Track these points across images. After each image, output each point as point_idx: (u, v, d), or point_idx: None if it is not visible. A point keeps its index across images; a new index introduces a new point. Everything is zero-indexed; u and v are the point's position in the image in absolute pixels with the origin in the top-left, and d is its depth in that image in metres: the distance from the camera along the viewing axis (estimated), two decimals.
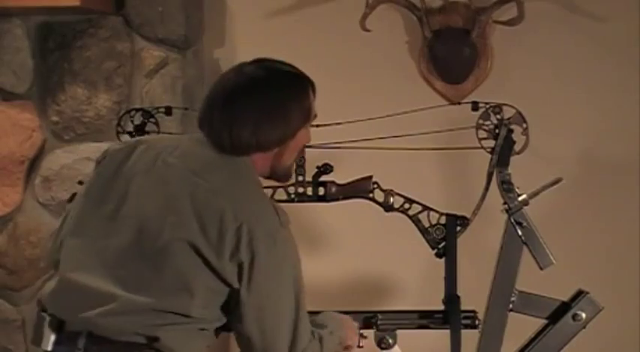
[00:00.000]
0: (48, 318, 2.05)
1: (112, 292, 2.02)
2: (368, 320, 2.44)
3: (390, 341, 2.43)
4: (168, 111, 2.74)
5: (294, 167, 2.32)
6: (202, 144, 2.12)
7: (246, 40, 3.39)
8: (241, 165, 2.11)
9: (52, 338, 2.04)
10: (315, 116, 2.20)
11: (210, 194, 2.04)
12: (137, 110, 2.71)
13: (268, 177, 2.19)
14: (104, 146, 3.21)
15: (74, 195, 2.32)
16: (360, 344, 2.39)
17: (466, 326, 2.41)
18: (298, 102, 2.14)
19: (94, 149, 3.29)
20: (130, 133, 2.67)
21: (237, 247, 2.01)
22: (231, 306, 2.07)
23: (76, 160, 3.31)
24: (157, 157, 2.10)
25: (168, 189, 2.06)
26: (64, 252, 2.13)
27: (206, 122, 2.12)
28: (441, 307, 2.46)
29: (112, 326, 2.00)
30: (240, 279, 2.03)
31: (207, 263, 2.02)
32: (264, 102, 2.11)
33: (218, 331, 2.15)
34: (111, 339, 2.01)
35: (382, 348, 2.43)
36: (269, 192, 2.47)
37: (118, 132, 2.71)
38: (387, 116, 2.58)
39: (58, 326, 2.04)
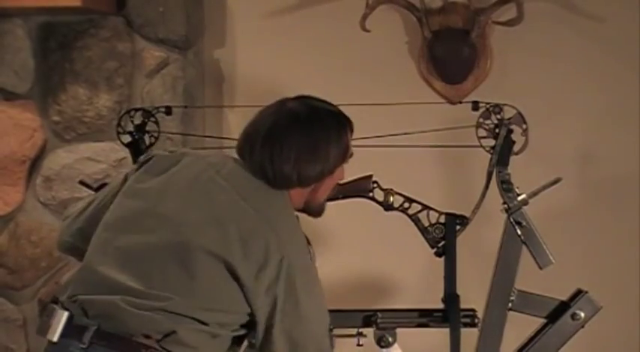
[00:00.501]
0: (57, 309, 2.06)
1: (137, 288, 2.04)
2: (368, 318, 2.45)
3: (390, 339, 2.43)
4: (168, 110, 2.75)
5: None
6: (246, 169, 2.16)
7: (247, 40, 3.40)
8: (283, 197, 2.16)
9: (60, 329, 2.04)
10: (352, 155, 2.24)
11: (257, 222, 2.08)
12: (137, 110, 2.71)
13: (301, 211, 2.23)
14: (105, 146, 3.26)
15: (103, 185, 2.35)
16: (360, 343, 2.42)
17: (465, 325, 2.41)
18: (338, 141, 2.19)
19: (95, 149, 3.31)
20: (130, 133, 2.67)
21: (277, 278, 2.06)
22: (260, 334, 2.10)
23: (77, 160, 3.31)
24: (204, 171, 2.14)
25: (215, 205, 2.09)
26: (93, 244, 2.15)
27: (247, 153, 2.17)
28: (441, 306, 2.46)
29: (129, 318, 2.01)
30: (273, 310, 2.07)
31: (241, 286, 2.06)
32: (306, 139, 2.15)
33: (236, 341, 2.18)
34: (119, 335, 2.01)
35: (382, 346, 2.43)
36: None
37: (118, 132, 2.70)
38: (388, 104, 2.57)
39: (68, 319, 2.05)
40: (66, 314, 2.05)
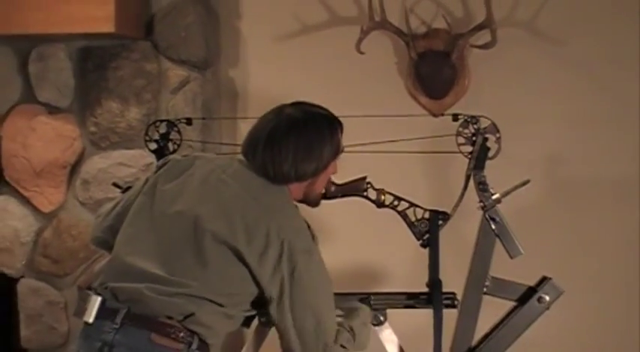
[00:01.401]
0: (92, 295, 2.06)
1: (160, 275, 2.03)
2: (362, 300, 2.43)
3: (382, 318, 2.42)
4: (188, 121, 2.74)
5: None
6: (250, 168, 2.15)
7: (257, 61, 3.39)
8: (283, 191, 2.15)
9: (94, 312, 2.04)
10: (342, 151, 2.23)
11: (259, 213, 2.07)
12: (162, 121, 2.71)
13: (301, 202, 2.22)
14: (135, 153, 3.27)
15: (129, 188, 2.35)
16: None
17: (447, 306, 2.41)
18: (330, 141, 2.18)
19: (126, 155, 3.31)
20: (156, 141, 2.67)
21: (280, 259, 2.04)
22: (269, 309, 2.08)
23: (111, 165, 3.31)
24: (213, 172, 2.13)
25: (222, 200, 2.08)
26: (120, 238, 2.14)
27: (251, 155, 2.15)
28: (425, 290, 2.45)
29: (155, 300, 2.00)
30: (282, 289, 2.06)
31: (248, 268, 2.04)
32: (302, 141, 2.14)
33: (247, 322, 2.18)
34: (148, 316, 2.01)
35: (374, 324, 2.41)
36: None
37: (146, 140, 2.69)
38: (380, 116, 2.58)
39: (101, 303, 2.04)
40: (99, 299, 2.04)
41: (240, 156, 2.20)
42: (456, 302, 2.43)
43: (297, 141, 2.14)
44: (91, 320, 2.04)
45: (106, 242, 2.25)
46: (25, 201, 3.37)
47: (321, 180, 2.21)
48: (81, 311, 2.06)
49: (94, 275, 2.13)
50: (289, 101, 3.23)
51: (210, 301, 2.04)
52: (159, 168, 2.22)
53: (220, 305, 2.05)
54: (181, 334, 2.01)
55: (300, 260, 2.06)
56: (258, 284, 2.06)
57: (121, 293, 2.04)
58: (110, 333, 2.00)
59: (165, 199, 2.12)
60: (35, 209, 3.37)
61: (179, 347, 2.01)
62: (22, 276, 3.38)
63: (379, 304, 2.43)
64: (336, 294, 2.38)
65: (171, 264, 2.05)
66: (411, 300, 2.46)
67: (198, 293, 2.03)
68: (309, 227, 2.15)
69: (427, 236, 2.46)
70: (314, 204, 2.26)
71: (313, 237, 2.15)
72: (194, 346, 2.03)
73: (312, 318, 2.10)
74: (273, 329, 2.37)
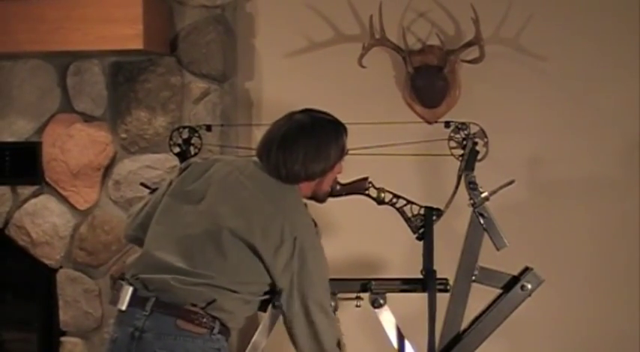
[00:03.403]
0: (125, 285, 2.06)
1: (184, 267, 2.04)
2: (364, 285, 2.45)
3: (382, 301, 2.43)
4: (208, 128, 2.75)
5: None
6: (264, 170, 2.15)
7: (270, 74, 3.38)
8: (294, 190, 2.15)
9: (127, 300, 2.04)
10: (347, 152, 2.24)
11: (274, 211, 2.07)
12: (185, 127, 2.71)
13: (309, 199, 2.23)
14: (161, 156, 3.27)
15: (155, 189, 2.35)
16: (358, 304, 2.42)
17: (440, 291, 2.42)
18: (336, 143, 2.19)
19: (153, 159, 3.30)
20: (179, 145, 2.67)
21: (292, 255, 2.05)
22: (280, 299, 2.09)
23: (140, 167, 3.31)
24: (231, 173, 2.13)
25: (240, 200, 2.08)
26: (149, 235, 2.14)
27: (265, 157, 2.15)
28: (420, 276, 2.45)
29: (180, 289, 2.01)
30: (292, 281, 2.07)
31: (263, 262, 2.05)
32: (311, 143, 2.15)
33: (263, 306, 2.19)
34: (174, 304, 2.02)
35: (375, 307, 2.43)
36: None
37: (170, 145, 2.70)
38: (381, 123, 2.58)
39: (133, 292, 2.05)
40: (131, 288, 2.05)
41: (255, 158, 2.19)
42: (448, 287, 2.43)
43: (307, 144, 2.14)
44: (124, 307, 2.05)
45: (137, 238, 2.25)
46: (64, 200, 3.37)
47: (328, 179, 2.22)
48: (115, 299, 2.07)
49: (126, 267, 2.15)
50: (298, 109, 3.27)
51: (230, 290, 2.05)
52: (182, 170, 2.22)
53: (238, 292, 2.06)
54: (204, 319, 2.02)
55: (309, 256, 2.07)
56: (271, 275, 2.07)
57: (150, 283, 2.04)
58: (141, 320, 2.02)
59: (188, 199, 2.12)
60: (72, 207, 3.37)
61: (202, 332, 2.02)
62: (60, 267, 3.39)
63: (380, 289, 2.44)
64: (340, 280, 2.40)
65: (194, 257, 2.05)
66: (407, 285, 2.47)
67: (218, 283, 2.04)
68: (314, 223, 2.16)
69: (422, 230, 2.47)
70: (321, 200, 2.27)
71: (317, 231, 2.15)
72: (216, 330, 2.04)
73: (322, 313, 2.11)
74: None
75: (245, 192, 2.09)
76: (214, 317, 2.04)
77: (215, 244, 2.05)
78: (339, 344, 2.17)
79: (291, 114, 2.21)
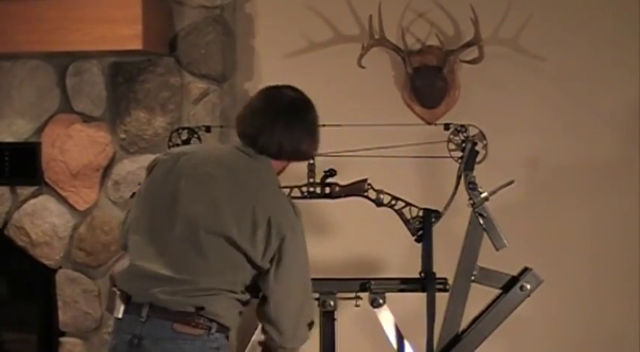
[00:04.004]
0: (118, 293, 2.04)
1: (169, 275, 2.00)
2: (363, 285, 2.45)
3: (381, 301, 2.44)
4: (207, 129, 2.73)
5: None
6: (233, 153, 2.08)
7: (269, 75, 3.35)
8: (266, 170, 2.08)
9: (122, 308, 2.03)
10: None
11: (245, 198, 2.01)
12: (184, 128, 2.70)
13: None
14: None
15: (134, 193, 2.29)
16: (357, 304, 2.43)
17: (439, 290, 2.42)
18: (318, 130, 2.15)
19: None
20: (178, 146, 2.65)
21: (269, 236, 1.99)
22: (260, 284, 2.05)
23: (139, 168, 3.29)
24: (198, 166, 2.05)
25: (211, 193, 2.02)
26: (130, 245, 2.10)
27: (266, 132, 2.05)
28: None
29: (169, 300, 1.99)
30: (271, 263, 2.02)
31: (243, 252, 2.00)
32: (314, 122, 2.11)
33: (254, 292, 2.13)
34: (168, 309, 2.00)
35: (374, 307, 2.44)
36: (287, 190, 2.48)
37: (169, 146, 2.69)
38: (380, 125, 2.59)
39: (127, 299, 2.03)
40: (125, 296, 2.03)
41: (228, 145, 2.12)
42: (447, 287, 2.44)
43: (313, 122, 2.10)
44: (120, 315, 2.03)
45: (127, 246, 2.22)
46: (63, 200, 3.38)
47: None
48: (111, 307, 2.05)
49: (115, 275, 2.11)
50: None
51: (218, 291, 2.01)
52: (149, 170, 2.14)
53: (227, 290, 2.02)
54: (200, 321, 1.99)
55: (287, 234, 2.01)
56: (255, 263, 2.02)
57: (140, 295, 2.02)
58: (138, 326, 1.99)
59: (159, 203, 2.06)
60: (72, 207, 3.37)
61: (200, 333, 2.00)
62: (60, 267, 3.39)
63: (379, 288, 2.44)
64: (339, 280, 2.41)
65: (176, 263, 2.00)
66: (407, 285, 2.48)
67: (205, 286, 1.99)
68: (291, 203, 2.08)
69: (421, 232, 2.48)
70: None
71: (297, 212, 2.07)
72: (213, 330, 2.01)
73: (302, 293, 2.07)
74: None
75: (214, 183, 2.02)
76: (210, 319, 2.01)
77: (194, 246, 2.00)
78: (310, 325, 2.13)
79: (279, 90, 2.13)
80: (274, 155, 2.07)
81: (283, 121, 2.06)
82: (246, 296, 2.09)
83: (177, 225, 2.02)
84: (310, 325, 2.13)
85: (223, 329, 2.05)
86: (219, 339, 2.04)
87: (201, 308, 2.00)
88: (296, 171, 2.67)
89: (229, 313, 2.05)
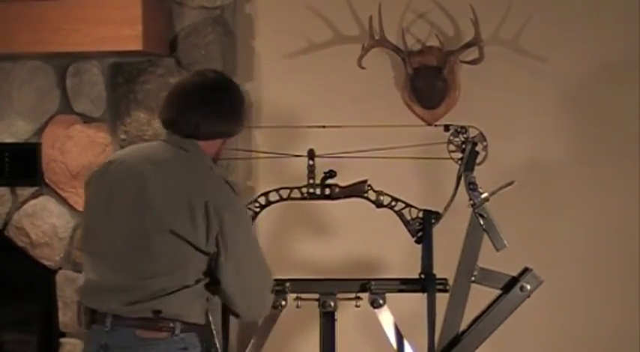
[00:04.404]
0: (83, 307, 2.10)
1: (120, 284, 2.01)
2: (364, 285, 2.45)
3: (381, 301, 2.44)
4: None
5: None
6: (160, 147, 2.08)
7: (269, 76, 3.39)
8: (197, 157, 2.07)
9: (89, 319, 2.07)
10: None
11: (178, 188, 2.00)
12: None
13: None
14: None
15: None
16: (358, 305, 2.43)
17: (439, 291, 2.42)
18: (246, 104, 2.17)
19: None
20: None
21: (208, 219, 1.98)
22: (212, 267, 2.03)
23: None
24: (128, 170, 2.06)
25: (144, 193, 2.01)
26: (83, 262, 2.13)
27: (182, 114, 2.06)
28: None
29: (126, 309, 2.00)
30: (217, 246, 2.00)
31: (188, 242, 1.99)
32: (232, 100, 2.10)
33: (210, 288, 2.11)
34: (129, 317, 2.00)
35: (374, 307, 2.44)
36: (287, 191, 2.51)
37: None
38: (380, 126, 2.60)
39: (92, 311, 2.06)
40: (90, 307, 2.06)
41: (155, 141, 2.14)
42: (447, 287, 2.45)
43: (229, 100, 2.10)
44: (88, 326, 2.06)
45: None
46: (63, 201, 3.38)
47: (227, 144, 2.17)
48: (80, 321, 2.08)
49: (77, 289, 2.13)
50: (298, 111, 3.28)
51: (173, 289, 1.99)
52: (87, 185, 2.16)
53: (184, 286, 2.00)
54: (162, 324, 1.99)
55: (226, 214, 1.99)
56: (200, 250, 2.00)
57: (100, 307, 2.04)
58: (103, 336, 2.01)
59: (99, 216, 2.07)
60: (72, 208, 3.37)
61: (164, 336, 2.00)
62: (60, 268, 3.40)
63: (379, 289, 2.45)
64: (340, 280, 2.42)
65: (125, 271, 2.01)
66: (407, 285, 2.48)
67: (158, 287, 1.99)
68: (226, 181, 2.06)
69: (421, 233, 2.48)
70: (215, 162, 2.21)
71: (235, 190, 2.06)
72: (177, 331, 2.00)
73: (255, 269, 2.06)
74: (287, 310, 2.38)
75: (146, 182, 2.02)
76: (171, 319, 2.01)
77: (139, 250, 2.00)
78: (272, 289, 2.14)
79: (198, 74, 2.13)
80: (196, 136, 2.06)
81: (198, 103, 2.06)
82: (202, 284, 2.05)
83: (119, 233, 2.03)
84: (272, 290, 2.13)
85: (189, 327, 2.03)
86: (187, 339, 2.02)
87: (159, 312, 1.99)
88: (296, 172, 2.69)
89: (190, 309, 2.03)
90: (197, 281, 2.03)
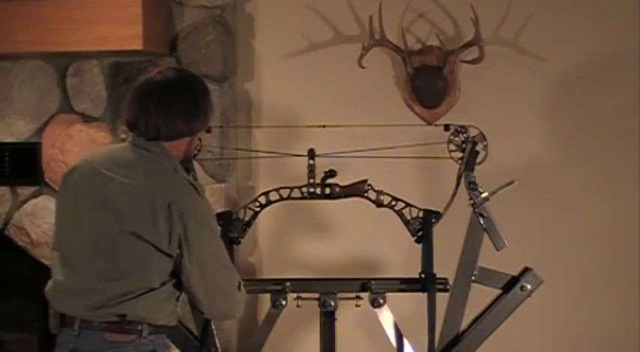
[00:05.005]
0: (51, 310, 2.09)
1: (85, 288, 2.01)
2: (364, 285, 2.45)
3: (381, 301, 2.44)
4: (208, 129, 2.69)
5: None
6: (126, 148, 2.08)
7: (270, 75, 3.39)
8: (160, 156, 2.06)
9: (57, 323, 2.07)
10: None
11: (141, 190, 2.00)
12: None
13: (181, 161, 2.13)
14: None
15: None
16: (358, 304, 2.43)
17: (439, 290, 2.43)
18: (210, 98, 2.14)
19: None
20: None
21: (171, 222, 1.97)
22: (178, 270, 2.03)
23: None
24: (93, 172, 2.06)
25: (108, 195, 2.02)
26: (51, 262, 2.13)
27: (142, 119, 2.04)
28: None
29: (92, 314, 2.00)
30: (180, 248, 1.99)
31: (151, 244, 1.98)
32: (191, 98, 2.07)
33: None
34: (97, 321, 2.01)
35: (374, 307, 2.44)
36: (287, 191, 2.51)
37: None
38: (380, 125, 2.61)
39: (60, 315, 2.06)
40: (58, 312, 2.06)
41: (122, 144, 2.13)
42: (448, 287, 2.45)
43: (187, 98, 2.07)
44: (56, 330, 2.07)
45: None
46: None
47: (196, 138, 2.16)
48: (52, 324, 2.08)
49: (46, 292, 2.12)
50: (298, 111, 3.29)
51: (137, 292, 1.99)
52: (59, 188, 2.16)
53: (149, 289, 2.00)
54: (129, 327, 2.00)
55: (188, 216, 1.99)
56: (164, 252, 2.00)
57: (68, 310, 2.04)
58: (72, 340, 2.02)
59: (67, 218, 2.08)
60: None
61: (131, 339, 2.00)
62: None
63: (379, 288, 2.45)
64: (339, 280, 2.41)
65: (89, 275, 2.01)
66: (407, 285, 2.48)
67: (122, 291, 1.98)
68: (191, 183, 2.06)
69: (421, 233, 2.48)
70: (189, 160, 2.22)
71: (199, 191, 2.05)
72: (145, 333, 2.01)
73: (217, 264, 2.05)
74: (287, 310, 2.38)
75: (110, 185, 2.01)
76: (138, 322, 2.00)
77: (102, 254, 2.00)
78: (239, 287, 2.12)
79: (158, 72, 2.11)
80: (158, 138, 2.06)
81: (156, 104, 2.05)
82: (169, 286, 2.04)
83: (84, 235, 2.03)
84: (239, 287, 2.11)
85: (158, 328, 2.03)
86: (155, 341, 2.03)
87: (124, 316, 1.99)
88: (296, 172, 2.69)
89: (157, 312, 2.03)
90: (162, 284, 2.02)
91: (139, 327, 2.00)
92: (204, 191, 2.09)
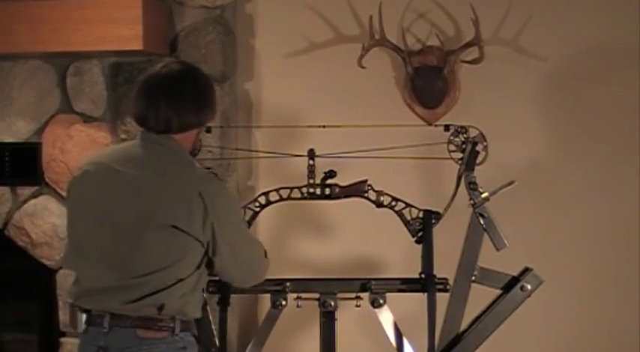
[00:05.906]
0: (77, 308, 2.07)
1: (119, 284, 2.00)
2: (364, 285, 2.45)
3: (381, 301, 2.44)
4: (208, 129, 2.69)
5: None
6: (138, 145, 2.08)
7: (270, 75, 3.39)
8: (177, 151, 2.07)
9: (84, 321, 2.04)
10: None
11: (169, 183, 2.01)
12: None
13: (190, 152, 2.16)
14: None
15: None
16: (358, 304, 2.43)
17: (439, 290, 2.43)
18: (214, 90, 2.15)
19: None
20: None
21: (206, 210, 2.00)
22: (211, 254, 2.06)
23: None
24: (110, 171, 2.05)
25: (136, 193, 2.01)
26: (74, 265, 2.11)
27: (152, 113, 2.05)
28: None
29: (128, 307, 1.99)
30: (213, 233, 2.03)
31: (188, 234, 2.00)
32: (198, 90, 2.08)
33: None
34: (129, 316, 2.00)
35: (374, 307, 2.44)
36: (287, 191, 2.50)
37: None
38: (381, 126, 2.61)
39: (88, 312, 2.04)
40: (84, 310, 2.04)
41: (133, 141, 2.14)
42: (447, 287, 2.44)
43: (195, 90, 2.07)
44: (82, 329, 2.06)
45: None
46: (63, 201, 3.36)
47: (203, 129, 2.19)
48: (73, 324, 2.07)
49: (70, 292, 2.11)
50: (298, 111, 3.29)
51: (172, 283, 1.99)
52: (69, 191, 2.14)
53: (180, 280, 2.01)
54: (162, 323, 2.00)
55: (217, 201, 2.02)
56: (196, 238, 2.01)
57: (97, 307, 2.02)
58: (101, 338, 2.00)
59: (86, 219, 2.06)
60: None
61: (164, 335, 2.00)
62: (60, 267, 3.39)
63: (379, 288, 2.44)
64: (340, 280, 2.41)
65: (121, 270, 1.99)
66: (406, 285, 2.48)
67: (159, 282, 1.99)
68: (213, 172, 2.13)
69: (421, 233, 2.48)
70: (196, 154, 2.24)
71: (218, 176, 2.13)
72: (177, 330, 2.01)
73: (246, 246, 2.14)
74: (287, 310, 2.39)
75: (135, 182, 2.01)
76: (172, 317, 2.01)
77: (131, 247, 1.99)
78: (265, 255, 2.24)
79: (164, 66, 2.11)
80: (169, 131, 2.06)
81: (166, 97, 2.05)
82: (196, 276, 2.05)
83: (111, 236, 2.02)
84: (265, 255, 2.24)
85: (187, 324, 2.05)
86: (185, 338, 2.04)
87: (162, 307, 1.99)
88: (296, 172, 2.69)
89: (192, 302, 2.05)
90: (189, 275, 2.03)
91: (172, 324, 2.00)
92: (222, 177, 2.14)
